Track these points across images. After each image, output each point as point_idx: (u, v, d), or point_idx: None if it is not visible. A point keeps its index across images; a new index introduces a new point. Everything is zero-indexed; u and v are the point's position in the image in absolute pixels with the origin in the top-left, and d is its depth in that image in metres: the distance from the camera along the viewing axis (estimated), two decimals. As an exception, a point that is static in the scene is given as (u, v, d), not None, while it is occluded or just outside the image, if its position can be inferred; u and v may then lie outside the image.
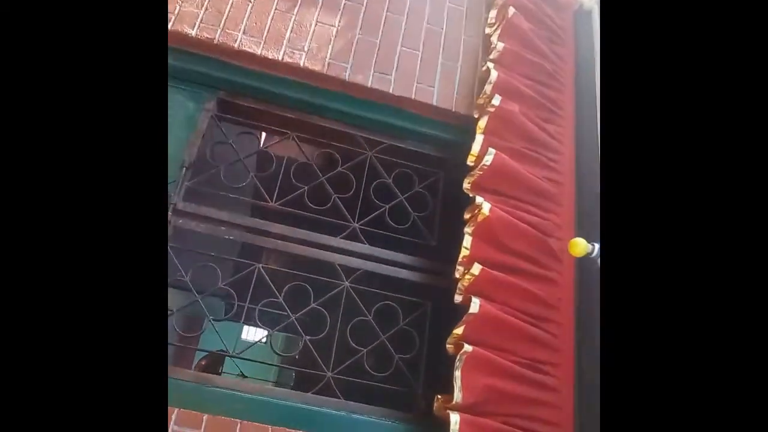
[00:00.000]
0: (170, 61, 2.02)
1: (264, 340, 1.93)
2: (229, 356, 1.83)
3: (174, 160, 1.93)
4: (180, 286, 1.78)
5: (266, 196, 2.01)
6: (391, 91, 2.11)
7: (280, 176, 2.05)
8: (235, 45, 2.03)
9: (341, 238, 1.99)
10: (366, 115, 2.15)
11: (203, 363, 4.56)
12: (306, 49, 2.09)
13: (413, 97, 2.13)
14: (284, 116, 2.12)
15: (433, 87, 2.16)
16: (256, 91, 2.10)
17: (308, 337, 1.85)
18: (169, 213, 1.85)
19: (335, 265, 1.95)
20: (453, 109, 2.13)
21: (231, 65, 2.07)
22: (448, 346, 1.67)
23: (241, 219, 1.95)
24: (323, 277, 1.95)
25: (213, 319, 1.81)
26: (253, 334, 7.84)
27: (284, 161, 2.10)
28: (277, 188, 2.03)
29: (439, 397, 1.62)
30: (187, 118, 2.01)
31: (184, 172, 1.91)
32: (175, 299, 1.72)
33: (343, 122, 2.15)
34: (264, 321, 1.91)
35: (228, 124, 2.11)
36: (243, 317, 1.85)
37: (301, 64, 2.07)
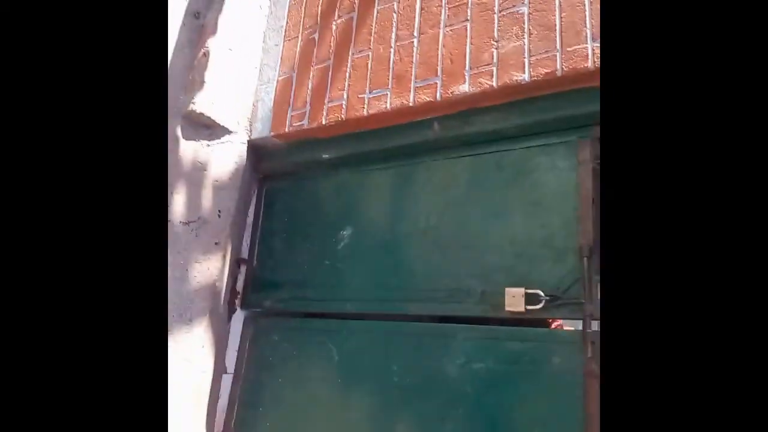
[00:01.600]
0: (513, 120, 1.57)
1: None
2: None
3: (566, 252, 1.44)
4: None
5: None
6: None
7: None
8: (589, 64, 1.40)
9: None
10: None
11: None
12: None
13: None
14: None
15: None
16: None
17: None
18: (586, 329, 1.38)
19: None
20: None
21: (588, 88, 1.44)
22: None
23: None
24: None
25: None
26: None
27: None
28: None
29: None
30: (560, 185, 1.49)
31: (586, 264, 1.40)
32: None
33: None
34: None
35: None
36: None
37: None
